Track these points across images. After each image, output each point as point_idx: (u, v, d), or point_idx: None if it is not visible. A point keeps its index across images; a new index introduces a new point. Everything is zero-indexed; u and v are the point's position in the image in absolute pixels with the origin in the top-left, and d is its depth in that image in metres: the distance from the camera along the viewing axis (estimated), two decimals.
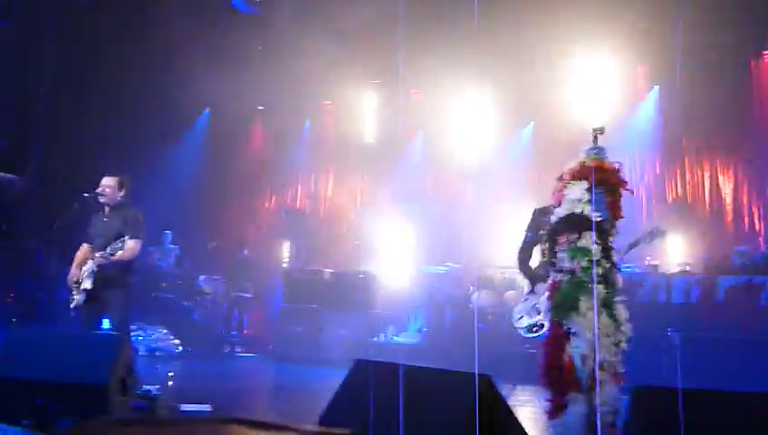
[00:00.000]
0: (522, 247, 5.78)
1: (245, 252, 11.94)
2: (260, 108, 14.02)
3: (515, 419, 3.63)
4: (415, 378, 3.74)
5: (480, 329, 9.51)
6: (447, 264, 10.80)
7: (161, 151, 13.01)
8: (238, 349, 11.06)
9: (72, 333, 5.81)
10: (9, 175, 12.39)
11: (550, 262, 4.27)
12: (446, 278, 10.63)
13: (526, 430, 3.72)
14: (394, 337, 10.52)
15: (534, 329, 5.69)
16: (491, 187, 12.00)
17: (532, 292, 5.76)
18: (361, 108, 13.21)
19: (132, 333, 7.31)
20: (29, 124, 13.08)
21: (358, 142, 13.16)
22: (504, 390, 3.55)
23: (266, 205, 14.07)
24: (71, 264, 6.42)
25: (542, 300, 4.79)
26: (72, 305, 6.06)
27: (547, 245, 4.28)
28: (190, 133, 13.90)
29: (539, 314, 5.56)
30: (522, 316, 5.83)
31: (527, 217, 5.85)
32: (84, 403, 4.74)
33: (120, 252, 5.87)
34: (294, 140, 13.72)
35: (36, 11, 11.32)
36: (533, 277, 5.67)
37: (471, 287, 10.01)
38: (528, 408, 5.47)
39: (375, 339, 10.24)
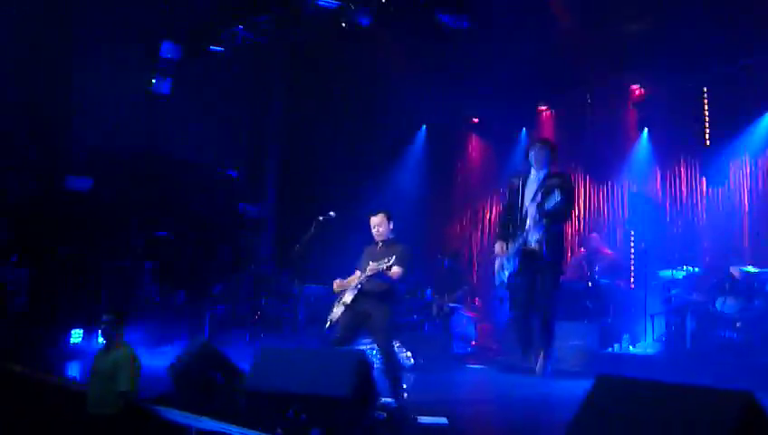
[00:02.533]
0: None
1: (447, 262, 12.10)
2: (475, 120, 14.11)
3: None
4: (663, 395, 3.46)
5: (729, 338, 8.72)
6: (686, 267, 10.03)
7: (383, 171, 13.58)
8: (468, 360, 11.10)
9: (317, 349, 6.19)
10: (248, 204, 13.68)
11: None
12: (684, 283, 9.87)
13: None
14: (629, 347, 9.96)
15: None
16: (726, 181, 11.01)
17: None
18: (579, 110, 12.75)
19: (366, 347, 7.64)
20: (264, 154, 14.35)
21: (578, 145, 12.71)
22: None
23: (488, 216, 14.06)
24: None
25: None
26: (330, 318, 6.53)
27: None
28: (409, 151, 14.35)
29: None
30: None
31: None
32: (330, 414, 5.02)
33: (385, 269, 6.36)
34: (512, 149, 13.60)
35: (267, 51, 12.31)
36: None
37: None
38: None
39: (609, 350, 9.77)
